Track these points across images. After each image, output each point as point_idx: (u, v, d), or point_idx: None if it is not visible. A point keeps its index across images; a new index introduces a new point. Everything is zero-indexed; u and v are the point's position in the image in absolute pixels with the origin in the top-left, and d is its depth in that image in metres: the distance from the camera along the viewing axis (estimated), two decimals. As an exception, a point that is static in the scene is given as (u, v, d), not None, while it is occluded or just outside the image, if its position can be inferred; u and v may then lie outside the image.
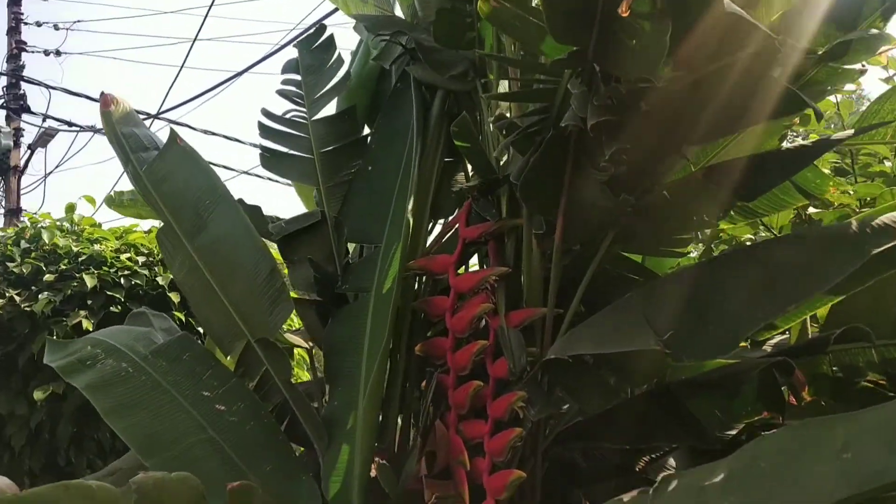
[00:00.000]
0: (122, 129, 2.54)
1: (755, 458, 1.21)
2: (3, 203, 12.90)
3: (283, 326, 3.41)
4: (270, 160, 2.72)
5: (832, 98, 3.36)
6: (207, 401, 2.20)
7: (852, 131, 2.03)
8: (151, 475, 1.38)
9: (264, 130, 2.73)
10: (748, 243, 2.52)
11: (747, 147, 2.26)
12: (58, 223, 4.13)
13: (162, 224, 2.45)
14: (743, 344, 2.61)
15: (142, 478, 1.35)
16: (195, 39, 12.86)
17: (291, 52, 2.99)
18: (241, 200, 2.66)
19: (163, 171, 2.49)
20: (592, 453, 2.24)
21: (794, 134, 3.24)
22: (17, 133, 13.01)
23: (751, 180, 1.94)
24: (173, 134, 2.55)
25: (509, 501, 2.05)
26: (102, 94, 2.57)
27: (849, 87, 3.32)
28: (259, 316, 2.33)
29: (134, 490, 1.34)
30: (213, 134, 12.43)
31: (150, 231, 4.18)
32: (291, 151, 2.71)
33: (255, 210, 2.72)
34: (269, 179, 12.69)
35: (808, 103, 1.66)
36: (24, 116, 13.00)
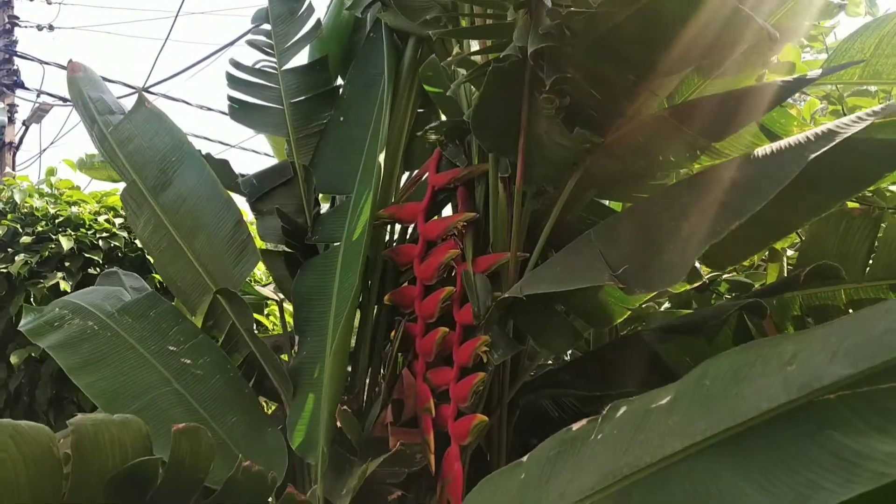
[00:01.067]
0: (89, 93, 2.50)
1: (701, 379, 1.19)
2: (-2, 180, 12.81)
3: (255, 281, 3.37)
4: (239, 111, 2.65)
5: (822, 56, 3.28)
6: (173, 355, 2.18)
7: (820, 71, 1.96)
8: (91, 416, 1.34)
9: (233, 81, 2.66)
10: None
11: (720, 89, 2.19)
12: (36, 186, 4.08)
13: (127, 184, 2.40)
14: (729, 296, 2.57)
15: (80, 419, 1.31)
16: (178, 13, 12.70)
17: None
18: (208, 155, 2.60)
19: (128, 131, 2.45)
20: (564, 403, 2.20)
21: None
22: (11, 109, 12.88)
23: (718, 119, 1.88)
24: (142, 98, 2.53)
25: (478, 449, 2.02)
26: (70, 61, 2.55)
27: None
28: (224, 268, 2.28)
29: (71, 431, 1.29)
30: (210, 109, 12.34)
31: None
32: (261, 102, 2.64)
33: (224, 164, 2.66)
34: (266, 155, 12.58)
35: (770, 33, 1.58)
36: (18, 92, 12.85)
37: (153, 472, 1.40)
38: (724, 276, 2.59)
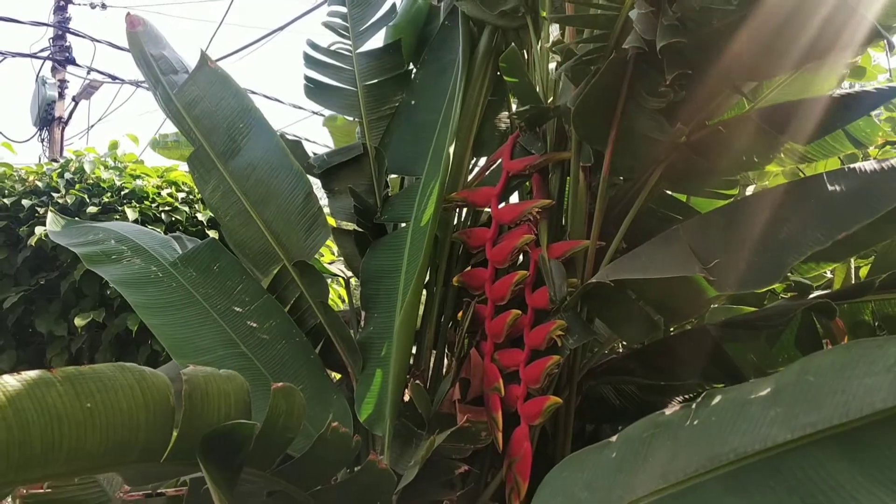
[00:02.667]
0: (150, 51, 2.50)
1: (803, 373, 1.21)
2: (46, 153, 13.12)
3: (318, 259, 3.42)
4: (314, 91, 2.71)
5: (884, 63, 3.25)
6: (239, 317, 2.21)
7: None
8: (201, 369, 1.40)
9: (309, 61, 2.72)
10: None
11: (797, 91, 2.19)
12: (101, 159, 4.20)
13: (194, 148, 2.43)
14: (784, 295, 2.57)
15: (192, 370, 1.37)
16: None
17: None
18: (281, 134, 2.66)
19: (194, 93, 2.45)
20: (625, 391, 2.23)
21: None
22: (62, 85, 13.19)
23: (809, 124, 1.88)
24: (204, 56, 2.51)
25: (543, 431, 2.06)
26: (128, 14, 2.51)
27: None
28: (296, 240, 2.32)
29: (185, 381, 1.36)
30: (254, 93, 12.52)
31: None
32: (335, 83, 2.70)
33: (297, 144, 2.72)
34: (307, 140, 12.73)
35: (883, 34, 1.59)
36: (70, 68, 13.14)
37: (249, 434, 1.46)
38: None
